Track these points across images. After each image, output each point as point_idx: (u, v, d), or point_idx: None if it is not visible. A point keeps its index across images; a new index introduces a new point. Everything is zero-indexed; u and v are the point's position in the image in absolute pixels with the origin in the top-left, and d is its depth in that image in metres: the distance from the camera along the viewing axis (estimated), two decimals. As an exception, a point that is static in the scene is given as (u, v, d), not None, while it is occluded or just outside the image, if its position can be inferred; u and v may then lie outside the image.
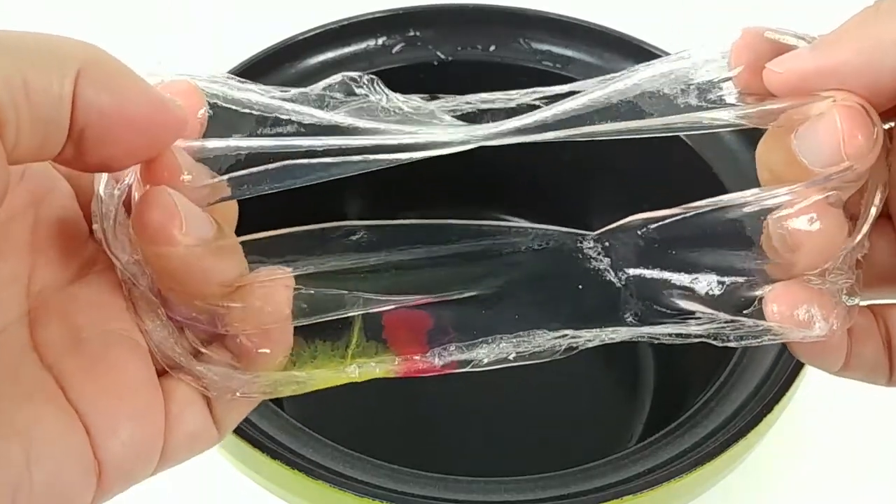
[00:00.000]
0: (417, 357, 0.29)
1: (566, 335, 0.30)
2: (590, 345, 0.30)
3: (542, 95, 0.31)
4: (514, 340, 0.29)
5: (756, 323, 0.27)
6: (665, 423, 0.37)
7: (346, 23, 0.47)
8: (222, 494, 0.46)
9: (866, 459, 0.48)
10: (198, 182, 0.26)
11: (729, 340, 0.28)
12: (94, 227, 0.26)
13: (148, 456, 0.25)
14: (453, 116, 0.31)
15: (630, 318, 0.30)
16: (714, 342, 0.28)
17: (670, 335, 0.29)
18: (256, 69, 0.45)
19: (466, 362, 0.29)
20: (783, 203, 0.27)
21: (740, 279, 0.28)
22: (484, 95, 0.30)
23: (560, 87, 0.30)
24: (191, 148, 0.26)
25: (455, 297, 0.30)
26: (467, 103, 0.31)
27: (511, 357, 0.29)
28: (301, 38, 0.46)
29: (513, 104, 0.31)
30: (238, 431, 0.35)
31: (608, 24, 0.48)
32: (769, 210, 0.27)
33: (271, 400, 0.37)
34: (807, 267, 0.26)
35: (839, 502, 0.47)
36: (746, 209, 0.28)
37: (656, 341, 0.29)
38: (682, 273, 0.29)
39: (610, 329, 0.30)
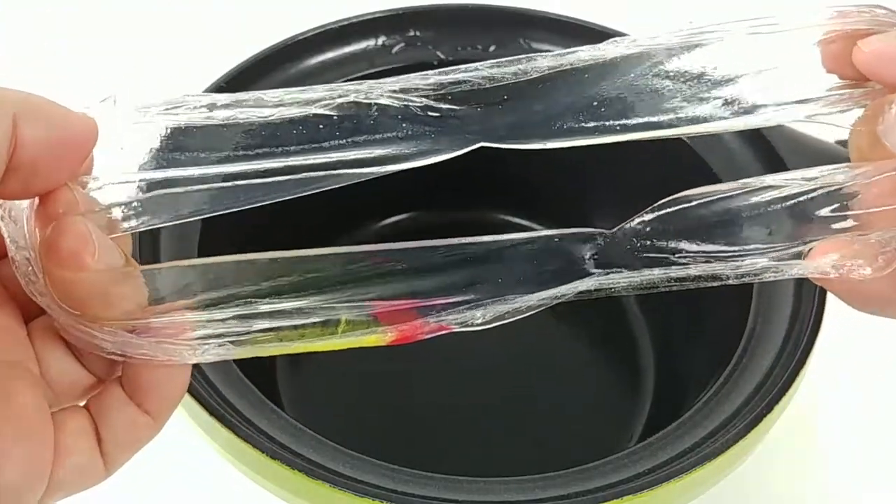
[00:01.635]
0: (408, 325, 0.29)
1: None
2: (580, 287, 0.30)
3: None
4: (508, 300, 0.30)
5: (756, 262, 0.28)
6: (665, 423, 0.37)
7: (346, 23, 0.47)
8: (222, 494, 0.46)
9: (867, 459, 0.48)
10: (93, 215, 0.27)
11: (728, 280, 0.29)
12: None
13: (33, 484, 0.26)
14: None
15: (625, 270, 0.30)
16: (712, 283, 0.29)
17: (669, 280, 0.29)
18: (257, 69, 0.45)
19: (461, 322, 0.29)
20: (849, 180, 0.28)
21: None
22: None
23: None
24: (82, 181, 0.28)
25: (442, 301, 0.30)
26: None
27: (506, 313, 0.30)
28: (301, 38, 0.46)
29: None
30: (238, 431, 0.35)
31: (608, 25, 0.48)
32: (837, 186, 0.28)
33: (271, 400, 0.37)
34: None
35: (839, 502, 0.47)
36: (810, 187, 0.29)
37: (652, 289, 0.29)
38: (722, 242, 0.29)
39: (606, 276, 0.30)
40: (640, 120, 0.32)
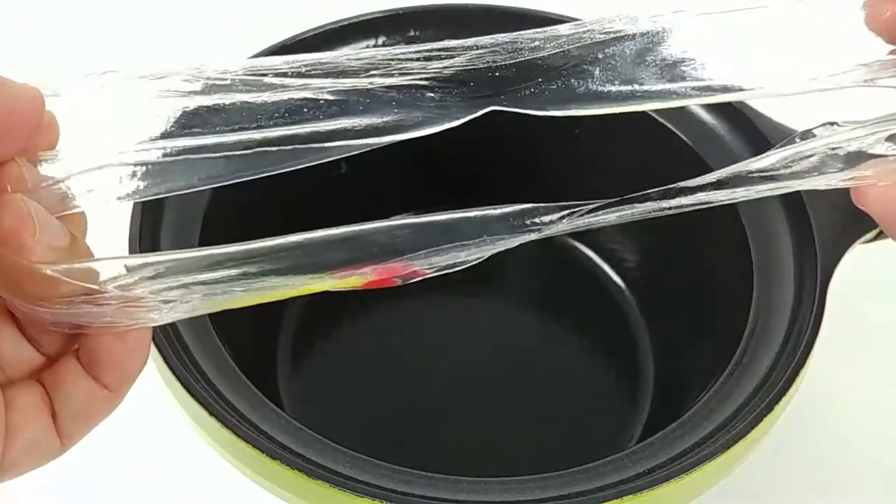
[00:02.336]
0: (386, 266, 0.29)
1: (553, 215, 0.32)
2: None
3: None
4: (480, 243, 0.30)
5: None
6: (665, 423, 0.37)
7: (346, 23, 0.47)
8: (222, 494, 0.46)
9: (867, 459, 0.48)
10: (42, 191, 0.27)
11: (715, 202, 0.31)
12: None
13: None
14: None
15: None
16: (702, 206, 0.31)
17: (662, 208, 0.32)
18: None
19: (445, 266, 0.29)
20: None
21: None
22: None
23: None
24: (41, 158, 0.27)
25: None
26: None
27: (496, 249, 0.30)
28: (301, 37, 0.46)
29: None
30: (238, 431, 0.34)
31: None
32: None
33: (271, 400, 0.37)
34: None
35: (839, 502, 0.47)
36: None
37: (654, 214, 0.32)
38: None
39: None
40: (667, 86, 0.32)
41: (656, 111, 0.46)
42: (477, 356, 0.49)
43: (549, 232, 0.32)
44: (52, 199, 0.27)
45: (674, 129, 0.46)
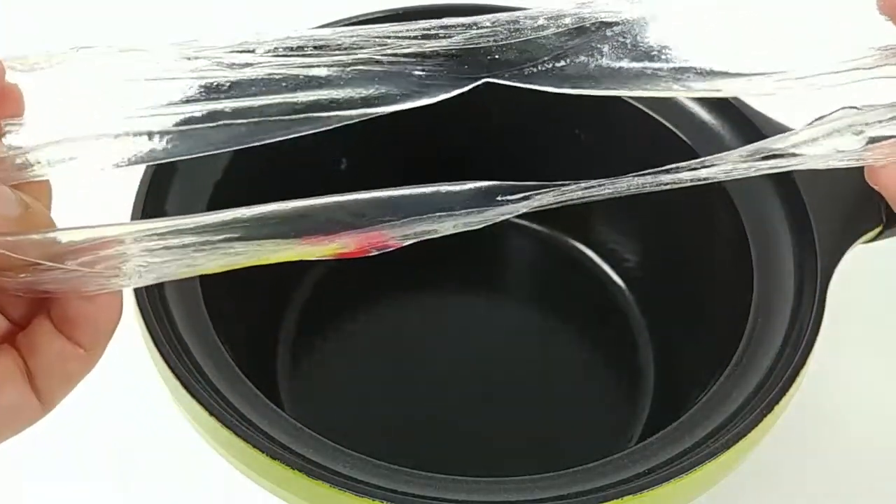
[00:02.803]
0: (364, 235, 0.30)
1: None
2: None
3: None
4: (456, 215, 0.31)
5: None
6: (665, 424, 0.37)
7: (345, 23, 0.47)
8: (222, 494, 0.46)
9: (867, 459, 0.48)
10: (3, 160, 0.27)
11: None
12: None
13: None
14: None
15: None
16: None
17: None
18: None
19: (424, 232, 0.30)
20: None
21: None
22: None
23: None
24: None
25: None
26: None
27: (476, 222, 0.31)
28: (301, 38, 0.46)
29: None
30: (238, 431, 0.34)
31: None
32: None
33: (271, 400, 0.37)
34: None
35: (839, 502, 0.47)
36: None
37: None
38: None
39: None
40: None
41: (657, 112, 0.46)
42: (477, 356, 0.49)
43: (522, 209, 0.32)
44: (12, 168, 0.27)
45: (674, 129, 0.46)
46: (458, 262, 0.53)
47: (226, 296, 0.42)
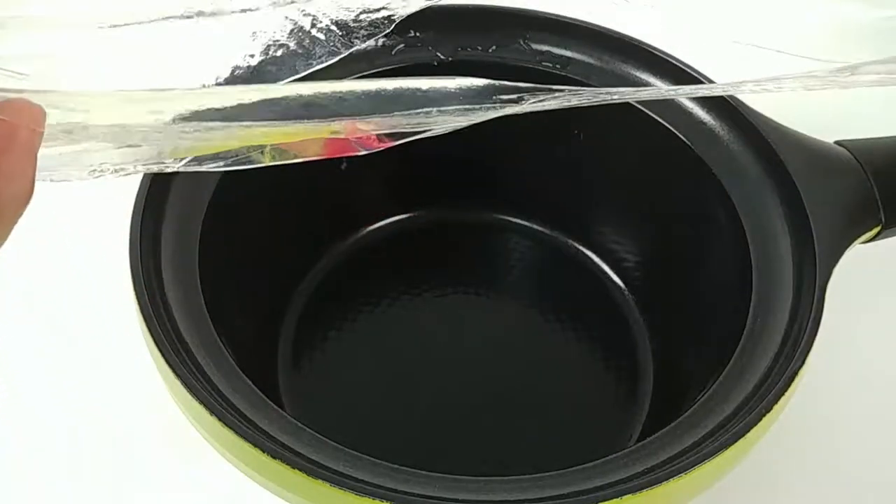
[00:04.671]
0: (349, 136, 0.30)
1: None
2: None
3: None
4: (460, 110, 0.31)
5: None
6: (664, 423, 0.37)
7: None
8: (222, 494, 0.46)
9: (866, 459, 0.48)
10: None
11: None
12: None
13: None
14: None
15: None
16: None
17: None
18: (256, 70, 0.45)
19: (410, 125, 0.30)
20: None
21: None
22: None
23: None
24: None
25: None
26: None
27: (466, 119, 0.31)
28: (301, 38, 0.46)
29: None
30: (238, 430, 0.35)
31: (609, 25, 0.48)
32: None
33: (272, 400, 0.37)
34: None
35: (839, 502, 0.47)
36: None
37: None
38: None
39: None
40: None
41: (655, 111, 0.46)
42: (477, 356, 0.49)
43: (514, 109, 0.32)
44: None
45: (674, 129, 0.46)
46: (458, 261, 0.53)
47: (227, 295, 0.42)
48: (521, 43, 0.48)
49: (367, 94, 0.31)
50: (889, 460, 0.48)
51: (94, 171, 0.28)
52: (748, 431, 0.35)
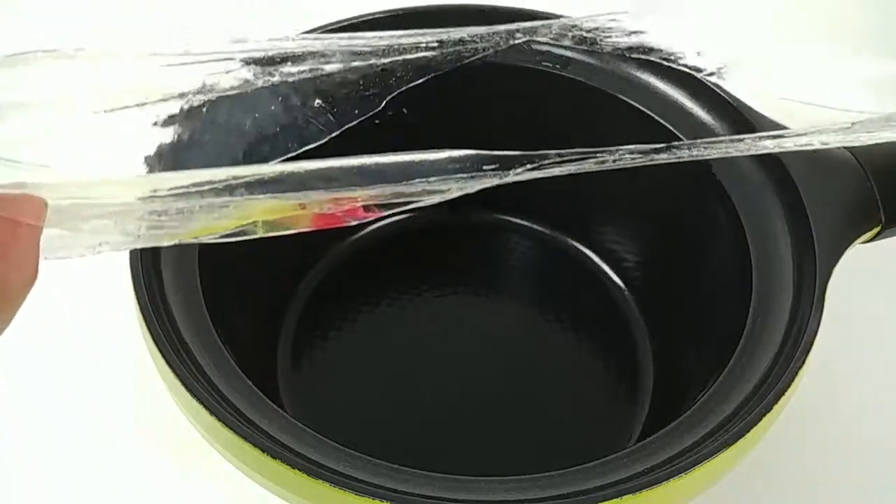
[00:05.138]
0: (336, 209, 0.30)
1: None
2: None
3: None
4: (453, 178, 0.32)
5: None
6: (664, 423, 0.37)
7: (346, 23, 0.47)
8: (222, 494, 0.46)
9: (866, 458, 0.48)
10: None
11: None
12: None
13: None
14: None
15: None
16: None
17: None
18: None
19: (399, 195, 0.30)
20: None
21: None
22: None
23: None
24: None
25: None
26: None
27: (455, 190, 0.32)
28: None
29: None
30: (238, 430, 0.35)
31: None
32: None
33: (271, 399, 0.37)
34: None
35: (839, 502, 0.47)
36: None
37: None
38: None
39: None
40: None
41: (654, 111, 0.46)
42: (477, 356, 0.49)
43: (501, 179, 0.32)
44: None
45: (674, 129, 0.46)
46: (457, 262, 0.53)
47: (227, 295, 0.42)
48: (522, 43, 0.48)
49: (355, 170, 0.32)
50: (889, 460, 0.48)
51: (93, 249, 0.29)
52: (748, 431, 0.35)
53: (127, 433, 0.47)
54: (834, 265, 0.41)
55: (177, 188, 0.30)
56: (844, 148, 0.44)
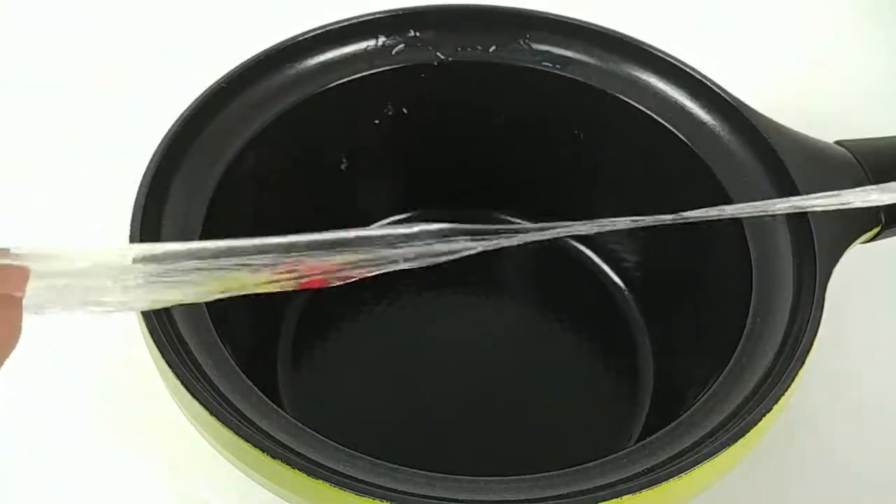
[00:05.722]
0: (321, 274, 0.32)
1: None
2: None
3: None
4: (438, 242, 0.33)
5: None
6: (664, 423, 0.37)
7: (346, 23, 0.47)
8: (222, 494, 0.46)
9: (866, 459, 0.48)
10: None
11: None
12: None
13: None
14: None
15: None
16: None
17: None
18: (256, 70, 0.45)
19: (384, 262, 0.32)
20: None
21: None
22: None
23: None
24: None
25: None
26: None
27: (429, 258, 0.33)
28: (301, 38, 0.46)
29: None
30: (238, 430, 0.35)
31: (609, 25, 0.48)
32: None
33: (271, 399, 0.37)
34: None
35: (839, 502, 0.47)
36: None
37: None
38: None
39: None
40: None
41: (655, 112, 0.46)
42: (476, 356, 0.49)
43: (475, 248, 0.34)
44: None
45: (674, 129, 0.46)
46: (457, 262, 0.53)
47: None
48: (521, 43, 0.48)
49: (328, 242, 0.33)
50: (889, 460, 0.48)
51: (83, 306, 0.30)
52: (748, 431, 0.35)
53: (127, 433, 0.47)
54: (834, 265, 0.41)
55: (173, 253, 0.31)
56: (844, 148, 0.44)
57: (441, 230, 0.35)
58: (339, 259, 0.33)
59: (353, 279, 0.34)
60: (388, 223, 0.33)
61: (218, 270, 0.32)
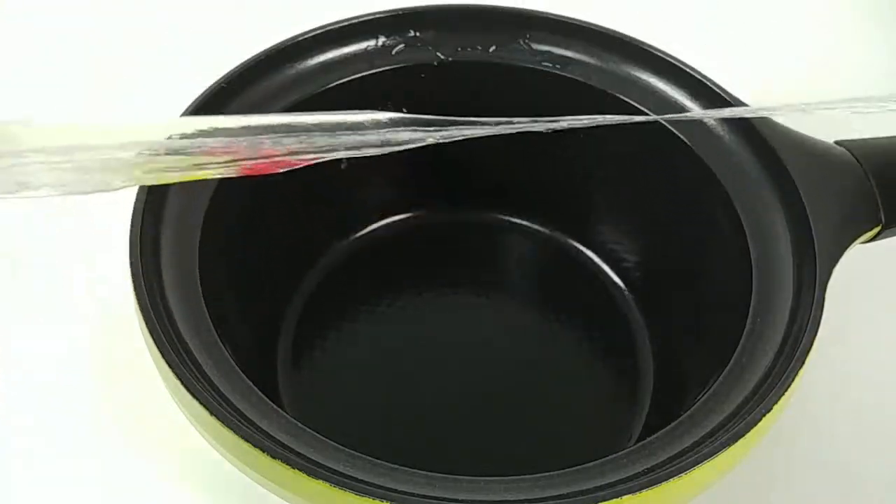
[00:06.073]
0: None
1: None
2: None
3: None
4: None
5: None
6: (664, 423, 0.37)
7: (346, 23, 0.47)
8: (222, 494, 0.46)
9: (866, 459, 0.48)
10: None
11: None
12: None
13: None
14: None
15: None
16: None
17: None
18: (256, 70, 0.45)
19: (321, 147, 0.32)
20: None
21: None
22: None
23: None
24: None
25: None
26: None
27: (377, 144, 0.34)
28: (301, 38, 0.46)
29: None
30: (238, 430, 0.35)
31: (610, 25, 0.48)
32: None
33: (272, 399, 0.37)
34: None
35: (839, 502, 0.47)
36: None
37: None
38: None
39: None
40: None
41: (648, 106, 0.47)
42: (476, 356, 0.49)
43: (424, 139, 0.36)
44: None
45: (674, 129, 0.46)
46: (457, 262, 0.53)
47: (227, 295, 0.42)
48: (521, 43, 0.48)
49: (281, 127, 0.34)
50: (889, 460, 0.48)
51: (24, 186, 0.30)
52: (748, 431, 0.35)
53: (127, 433, 0.47)
54: (834, 265, 0.41)
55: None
56: (844, 148, 0.44)
57: (392, 119, 0.35)
58: (283, 145, 0.33)
59: (296, 167, 0.35)
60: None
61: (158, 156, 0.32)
